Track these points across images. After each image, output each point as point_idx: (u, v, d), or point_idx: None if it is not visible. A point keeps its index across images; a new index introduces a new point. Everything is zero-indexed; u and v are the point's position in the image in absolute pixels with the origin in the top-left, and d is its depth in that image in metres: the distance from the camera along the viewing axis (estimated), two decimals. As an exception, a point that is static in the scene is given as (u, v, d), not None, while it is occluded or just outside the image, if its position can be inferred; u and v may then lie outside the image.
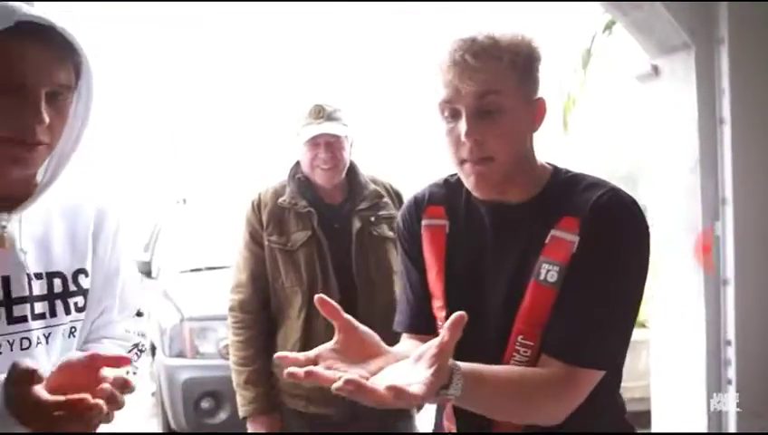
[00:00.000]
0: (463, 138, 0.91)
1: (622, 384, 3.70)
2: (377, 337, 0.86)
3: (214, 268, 3.88)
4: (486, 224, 1.00)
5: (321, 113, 1.76)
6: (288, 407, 1.79)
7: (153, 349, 3.67)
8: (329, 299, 0.88)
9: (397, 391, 0.69)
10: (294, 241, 1.76)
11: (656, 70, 2.72)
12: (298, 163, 1.85)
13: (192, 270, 3.97)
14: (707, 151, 2.55)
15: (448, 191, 1.06)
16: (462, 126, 0.91)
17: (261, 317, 1.80)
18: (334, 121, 1.76)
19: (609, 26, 5.30)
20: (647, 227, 0.96)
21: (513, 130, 0.93)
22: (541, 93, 0.98)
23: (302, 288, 1.74)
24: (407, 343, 1.06)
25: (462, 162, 0.94)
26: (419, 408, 3.98)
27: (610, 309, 0.93)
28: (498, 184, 0.95)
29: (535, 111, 0.97)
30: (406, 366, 0.77)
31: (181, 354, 3.17)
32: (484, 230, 1.00)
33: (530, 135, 0.98)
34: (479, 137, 0.91)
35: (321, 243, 1.75)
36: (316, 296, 0.91)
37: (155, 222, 5.38)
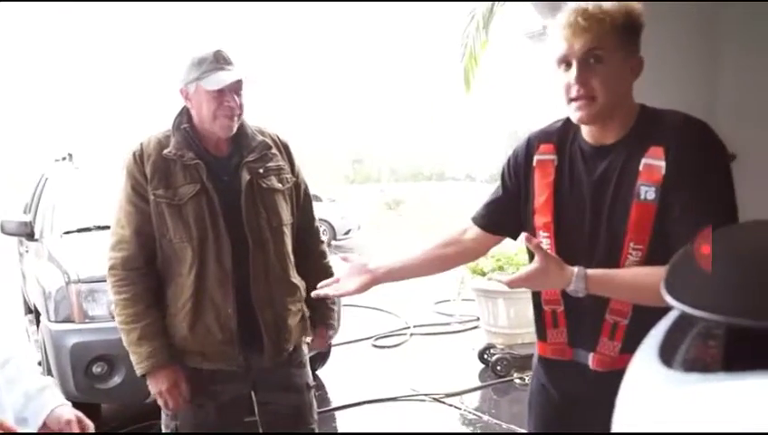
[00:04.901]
0: (573, 81, 1.20)
1: (513, 331, 3.96)
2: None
3: (104, 227, 3.66)
4: (588, 160, 1.29)
5: (226, 59, 1.67)
6: (182, 364, 1.74)
7: (38, 315, 3.44)
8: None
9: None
10: (182, 195, 1.67)
11: (546, 29, 2.82)
12: (182, 113, 1.75)
13: (79, 230, 3.72)
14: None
15: (558, 132, 1.36)
16: (572, 73, 1.20)
17: (147, 272, 1.71)
18: (237, 68, 1.68)
19: (509, -14, 5.37)
20: (715, 138, 1.21)
21: (611, 78, 1.20)
22: (640, 53, 1.25)
23: (191, 244, 1.66)
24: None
25: (571, 101, 1.23)
26: (323, 359, 4.03)
27: (710, 209, 1.15)
28: (598, 118, 1.23)
29: (632, 66, 1.23)
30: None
31: (68, 319, 2.98)
32: (587, 164, 1.29)
33: (627, 84, 1.25)
34: (585, 80, 1.20)
35: (211, 196, 1.68)
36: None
37: (37, 180, 4.97)
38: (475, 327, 4.94)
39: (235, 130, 1.72)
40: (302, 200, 1.89)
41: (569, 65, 1.22)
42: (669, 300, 0.59)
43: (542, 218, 1.34)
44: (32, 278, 3.73)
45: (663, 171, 1.18)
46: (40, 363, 3.54)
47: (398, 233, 12.68)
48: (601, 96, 1.20)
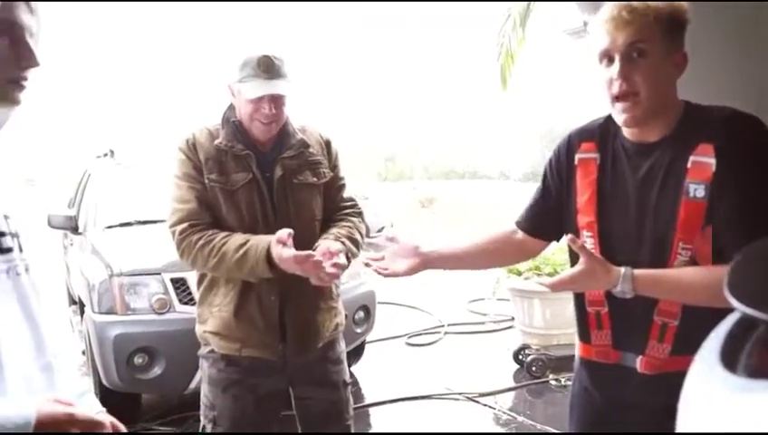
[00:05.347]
0: (615, 77, 1.17)
1: (549, 331, 3.92)
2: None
3: (144, 222, 3.75)
4: (631, 158, 1.26)
5: (270, 68, 1.68)
6: (220, 352, 1.77)
7: (82, 306, 3.54)
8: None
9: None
10: (235, 181, 1.71)
11: (586, 25, 2.76)
12: (232, 107, 1.79)
13: (121, 224, 3.81)
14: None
15: (600, 130, 1.33)
16: (615, 68, 1.18)
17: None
18: (282, 79, 1.69)
19: (547, -18, 5.27)
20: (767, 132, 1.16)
21: (654, 73, 1.17)
22: (684, 48, 1.22)
23: (243, 229, 1.70)
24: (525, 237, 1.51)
25: (614, 99, 1.20)
26: (357, 355, 4.03)
27: (763, 207, 1.11)
28: (642, 117, 1.20)
29: (676, 62, 1.20)
30: None
31: (111, 311, 3.06)
32: (630, 162, 1.26)
33: (670, 79, 1.21)
34: (627, 75, 1.16)
35: (261, 186, 1.72)
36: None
37: (81, 175, 5.12)
38: (510, 327, 4.89)
39: (273, 133, 1.76)
40: (334, 191, 1.87)
41: (611, 60, 1.19)
42: (732, 301, 0.57)
43: (584, 218, 1.32)
44: (76, 270, 3.85)
45: (713, 168, 1.15)
46: (84, 352, 3.66)
47: (432, 231, 12.62)
48: (644, 91, 1.17)
